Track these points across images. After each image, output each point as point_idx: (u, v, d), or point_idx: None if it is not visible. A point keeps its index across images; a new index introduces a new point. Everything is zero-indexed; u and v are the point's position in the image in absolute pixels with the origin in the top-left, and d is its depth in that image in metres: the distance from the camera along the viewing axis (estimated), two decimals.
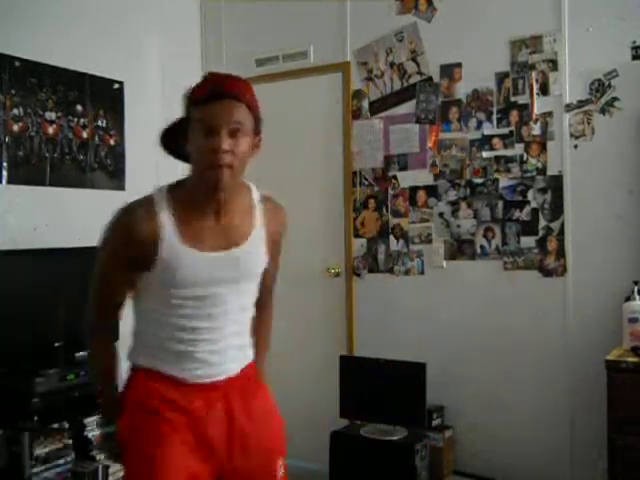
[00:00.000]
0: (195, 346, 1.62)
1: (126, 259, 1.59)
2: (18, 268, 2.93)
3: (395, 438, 3.29)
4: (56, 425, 2.88)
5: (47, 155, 3.35)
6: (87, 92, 3.57)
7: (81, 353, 3.02)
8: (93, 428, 3.04)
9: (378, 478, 3.25)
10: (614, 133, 3.15)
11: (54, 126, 3.39)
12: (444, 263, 3.58)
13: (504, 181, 3.42)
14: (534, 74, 3.34)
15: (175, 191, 1.63)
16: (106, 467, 3.05)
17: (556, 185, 3.29)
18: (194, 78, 1.64)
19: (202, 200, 1.60)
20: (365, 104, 3.81)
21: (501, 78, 3.42)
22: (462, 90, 3.53)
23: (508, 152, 3.40)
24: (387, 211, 3.74)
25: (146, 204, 1.59)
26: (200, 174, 1.57)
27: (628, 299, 2.89)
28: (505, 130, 3.42)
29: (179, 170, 1.70)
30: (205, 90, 1.55)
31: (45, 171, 3.34)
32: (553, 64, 3.29)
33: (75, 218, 3.40)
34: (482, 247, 3.48)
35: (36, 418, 2.76)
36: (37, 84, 3.31)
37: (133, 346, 1.70)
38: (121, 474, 2.30)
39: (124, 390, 1.69)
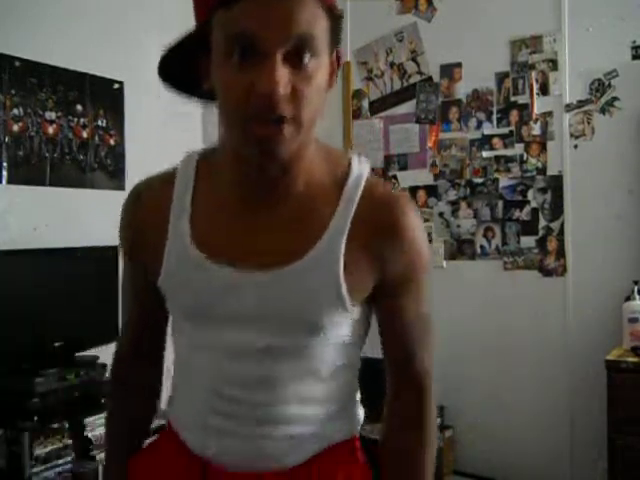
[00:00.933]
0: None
1: (137, 259, 1.09)
2: (18, 268, 2.92)
3: None
4: (56, 425, 2.87)
5: (47, 155, 3.35)
6: (87, 92, 3.56)
7: (81, 353, 3.02)
8: (93, 428, 3.04)
9: (378, 478, 3.25)
10: (614, 133, 3.15)
11: (54, 126, 3.39)
12: (444, 263, 3.58)
13: (504, 181, 3.42)
14: (534, 74, 3.34)
15: (211, 160, 1.05)
16: None
17: (556, 185, 3.29)
18: None
19: (239, 180, 0.99)
20: (365, 104, 3.81)
21: (501, 78, 3.42)
22: (462, 90, 3.53)
23: (508, 152, 3.41)
24: None
25: (159, 182, 1.07)
26: (235, 138, 0.94)
27: (628, 299, 2.90)
28: (505, 130, 3.42)
29: None
30: None
31: (45, 171, 3.34)
32: (553, 64, 3.29)
33: (75, 218, 3.39)
34: (482, 247, 3.48)
35: (36, 418, 2.75)
36: (37, 84, 3.31)
37: None
38: None
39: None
